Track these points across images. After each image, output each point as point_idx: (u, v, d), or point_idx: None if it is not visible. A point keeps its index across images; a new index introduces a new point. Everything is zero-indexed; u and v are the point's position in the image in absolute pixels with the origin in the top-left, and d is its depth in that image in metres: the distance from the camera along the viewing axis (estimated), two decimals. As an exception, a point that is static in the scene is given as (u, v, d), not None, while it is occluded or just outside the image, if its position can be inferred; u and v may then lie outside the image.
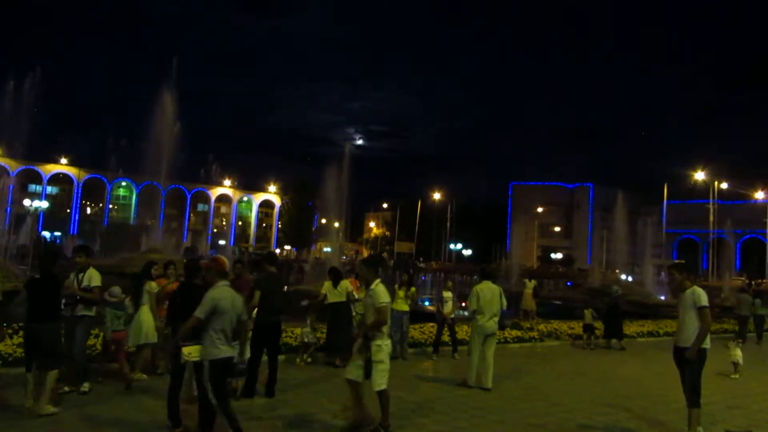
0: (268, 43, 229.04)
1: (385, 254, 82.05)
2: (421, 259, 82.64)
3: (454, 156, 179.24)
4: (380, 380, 6.42)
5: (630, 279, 39.56)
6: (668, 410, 8.15)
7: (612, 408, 8.35)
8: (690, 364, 6.75)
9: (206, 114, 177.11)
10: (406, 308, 11.48)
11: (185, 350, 5.64)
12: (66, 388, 7.40)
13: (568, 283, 45.98)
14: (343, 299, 10.63)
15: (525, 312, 19.03)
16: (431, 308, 19.98)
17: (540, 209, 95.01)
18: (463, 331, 13.29)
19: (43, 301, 6.82)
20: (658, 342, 15.71)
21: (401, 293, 11.48)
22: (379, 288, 6.58)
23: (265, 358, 8.02)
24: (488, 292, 9.37)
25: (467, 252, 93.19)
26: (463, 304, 14.23)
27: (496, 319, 9.40)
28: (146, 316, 8.46)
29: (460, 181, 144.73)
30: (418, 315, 16.76)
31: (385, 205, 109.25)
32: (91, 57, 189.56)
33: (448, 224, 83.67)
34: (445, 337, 12.22)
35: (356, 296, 10.49)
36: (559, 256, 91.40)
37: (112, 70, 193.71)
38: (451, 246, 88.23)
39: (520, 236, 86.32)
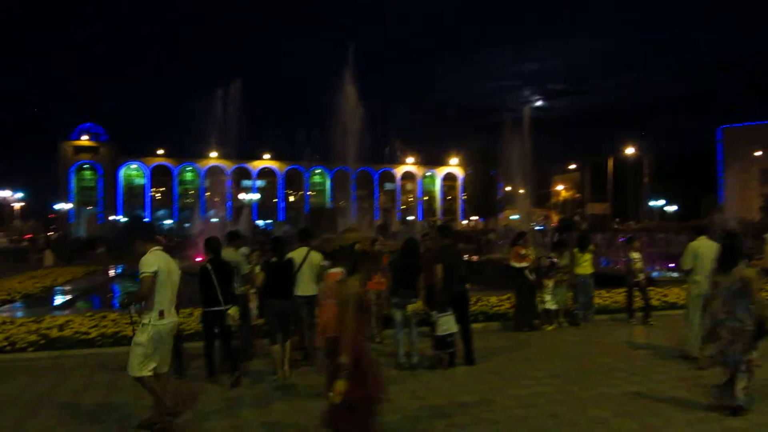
0: (438, 15, 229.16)
1: (576, 217, 78.22)
2: (618, 219, 77.21)
3: (644, 106, 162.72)
4: (133, 364, 5.45)
5: None
6: None
7: None
8: None
9: (383, 95, 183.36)
10: (590, 270, 10.96)
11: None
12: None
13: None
14: None
15: (766, 270, 16.38)
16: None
17: (759, 153, 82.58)
18: (674, 295, 12.25)
19: (285, 282, 7.65)
20: None
21: (586, 256, 10.99)
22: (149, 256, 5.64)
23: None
24: (706, 248, 8.37)
25: (671, 208, 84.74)
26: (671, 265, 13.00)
27: None
28: None
29: (655, 132, 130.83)
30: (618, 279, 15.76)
31: (572, 166, 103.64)
32: (280, 59, 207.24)
33: (646, 179, 76.81)
34: (640, 302, 11.25)
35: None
36: (788, 204, 78.78)
37: (298, 69, 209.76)
38: (652, 203, 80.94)
39: (736, 186, 76.50)
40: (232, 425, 5.76)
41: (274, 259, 7.73)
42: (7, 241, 50.09)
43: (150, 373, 5.49)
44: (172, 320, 5.67)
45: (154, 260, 5.61)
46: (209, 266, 7.28)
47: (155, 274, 5.51)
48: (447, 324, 7.65)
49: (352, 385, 4.18)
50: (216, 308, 7.20)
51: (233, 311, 7.38)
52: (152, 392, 5.53)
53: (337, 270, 7.15)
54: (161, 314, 5.53)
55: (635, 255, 11.29)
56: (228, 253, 8.16)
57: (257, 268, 8.20)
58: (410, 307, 7.73)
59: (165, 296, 5.60)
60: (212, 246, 7.56)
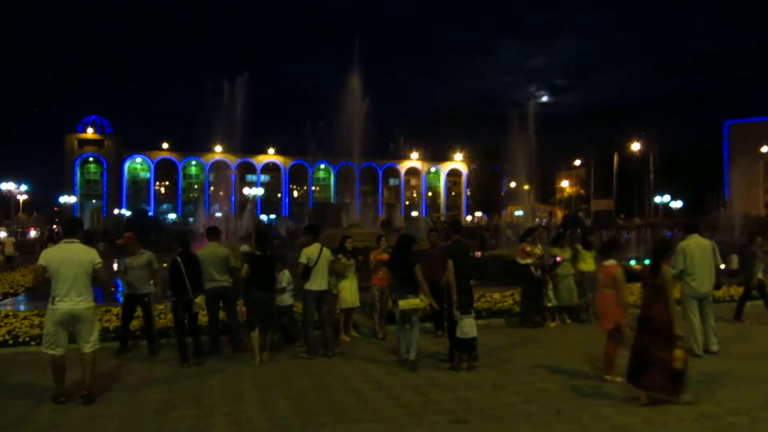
0: (443, 11, 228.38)
1: (580, 213, 78.06)
2: (622, 216, 76.92)
3: (650, 102, 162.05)
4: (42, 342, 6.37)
5: None
6: None
7: None
8: None
9: (389, 90, 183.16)
10: (592, 267, 10.54)
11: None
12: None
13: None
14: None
15: None
16: (637, 267, 18.59)
17: (765, 149, 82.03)
18: (677, 291, 12.17)
19: (267, 274, 8.05)
20: None
21: (591, 252, 10.68)
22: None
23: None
24: (697, 248, 8.27)
25: (676, 204, 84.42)
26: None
27: (712, 279, 8.28)
28: (344, 284, 9.23)
29: (661, 128, 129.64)
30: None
31: (577, 162, 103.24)
32: (285, 53, 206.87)
33: (651, 175, 76.47)
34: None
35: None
36: (793, 201, 78.26)
37: (302, 63, 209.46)
38: (657, 199, 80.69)
39: (741, 182, 76.20)
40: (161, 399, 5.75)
41: (257, 253, 8.17)
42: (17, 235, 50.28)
43: (54, 352, 6.14)
44: (64, 306, 6.13)
45: (47, 253, 6.38)
46: (179, 259, 7.81)
47: (42, 266, 6.22)
48: (469, 327, 7.41)
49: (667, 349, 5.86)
50: (185, 297, 7.75)
51: (200, 300, 7.91)
52: (52, 369, 6.18)
53: (611, 262, 7.11)
54: (53, 300, 6.16)
55: None
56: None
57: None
58: (402, 303, 7.60)
59: (57, 284, 6.15)
60: (182, 240, 8.32)
